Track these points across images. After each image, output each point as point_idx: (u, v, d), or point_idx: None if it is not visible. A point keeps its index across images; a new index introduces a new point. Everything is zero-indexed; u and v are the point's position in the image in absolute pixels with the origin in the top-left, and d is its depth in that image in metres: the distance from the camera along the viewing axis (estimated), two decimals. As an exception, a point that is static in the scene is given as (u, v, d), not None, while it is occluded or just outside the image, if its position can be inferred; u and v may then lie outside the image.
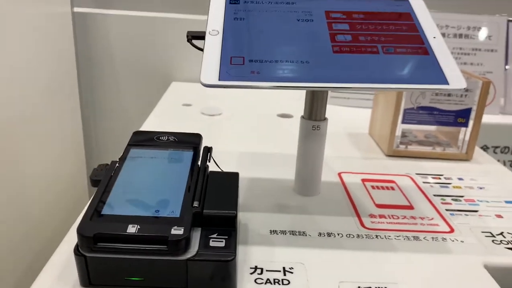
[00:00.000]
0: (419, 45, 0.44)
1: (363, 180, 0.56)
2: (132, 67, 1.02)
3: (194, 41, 0.46)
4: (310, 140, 0.49)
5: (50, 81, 0.87)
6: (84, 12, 0.97)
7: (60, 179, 0.93)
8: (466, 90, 0.62)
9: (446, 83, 0.40)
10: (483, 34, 0.91)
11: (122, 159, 0.42)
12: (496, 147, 0.88)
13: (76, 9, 0.96)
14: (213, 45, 0.43)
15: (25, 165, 0.79)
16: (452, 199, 0.53)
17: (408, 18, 0.48)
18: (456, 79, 0.41)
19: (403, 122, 0.64)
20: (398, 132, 0.65)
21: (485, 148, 0.88)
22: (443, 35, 0.90)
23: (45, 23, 0.84)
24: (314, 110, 0.49)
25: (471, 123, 0.64)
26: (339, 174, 0.58)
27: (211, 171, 0.42)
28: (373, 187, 0.55)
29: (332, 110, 0.80)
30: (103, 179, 0.39)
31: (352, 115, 0.84)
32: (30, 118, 0.80)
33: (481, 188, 0.56)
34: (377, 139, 0.70)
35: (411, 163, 0.63)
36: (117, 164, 0.41)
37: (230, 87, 0.40)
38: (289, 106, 0.85)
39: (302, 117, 0.50)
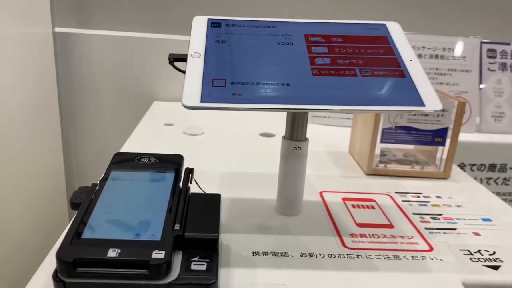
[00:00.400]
0: (395, 68, 0.46)
1: (344, 199, 0.57)
2: (113, 87, 1.02)
3: (176, 63, 0.46)
4: (291, 160, 0.50)
5: (29, 101, 0.86)
6: (65, 32, 0.97)
7: (39, 201, 0.92)
8: (443, 110, 0.64)
9: (422, 104, 0.42)
10: (458, 55, 0.94)
11: (103, 181, 0.42)
12: (473, 164, 0.91)
13: (57, 29, 0.95)
14: (195, 67, 0.44)
15: (2, 186, 0.78)
16: (431, 218, 0.54)
17: (385, 42, 0.49)
18: (431, 101, 0.42)
19: (381, 142, 0.65)
20: (377, 151, 0.67)
21: (462, 165, 0.90)
22: (420, 56, 0.92)
23: (25, 43, 0.84)
24: (295, 130, 0.49)
25: (448, 142, 0.65)
26: (320, 193, 0.58)
27: (192, 193, 0.42)
28: (353, 206, 0.55)
29: (313, 129, 0.81)
30: (83, 202, 0.39)
31: (332, 134, 0.85)
32: (9, 139, 0.79)
33: (458, 206, 0.57)
34: (357, 158, 0.71)
35: (390, 182, 0.64)
36: (97, 187, 0.41)
37: (212, 109, 0.40)
38: (271, 126, 0.86)
39: (284, 137, 0.50)
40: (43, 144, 0.93)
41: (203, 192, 0.43)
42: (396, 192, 0.60)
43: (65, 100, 1.02)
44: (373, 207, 0.55)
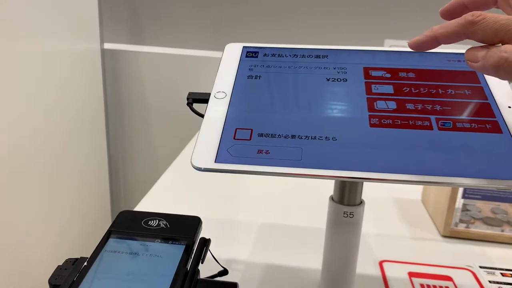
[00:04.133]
0: (488, 118, 0.33)
1: (410, 274, 0.45)
2: (163, 107, 0.96)
3: (196, 105, 0.37)
4: (340, 229, 0.39)
5: (76, 117, 0.82)
6: (114, 49, 0.92)
7: (81, 222, 0.88)
8: (549, 161, 0.49)
9: (527, 177, 0.29)
10: None
11: (95, 254, 0.33)
12: None
13: (106, 46, 0.91)
14: (216, 112, 0.34)
15: (48, 202, 0.74)
16: (530, 314, 0.40)
17: (474, 79, 0.37)
18: (542, 173, 0.29)
19: (463, 197, 0.52)
20: (458, 205, 0.53)
21: None
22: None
23: (73, 60, 0.80)
24: (347, 192, 0.38)
25: (554, 201, 0.51)
26: (381, 263, 0.46)
27: (201, 280, 0.32)
28: (422, 286, 0.43)
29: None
30: (62, 284, 0.31)
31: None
32: (55, 153, 0.76)
33: None
34: (431, 212, 0.57)
35: (473, 249, 0.50)
36: (85, 263, 0.32)
37: (229, 172, 0.30)
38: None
39: (331, 198, 0.39)
40: (88, 164, 0.89)
41: (216, 279, 0.34)
42: (480, 267, 0.47)
43: (113, 120, 0.97)
44: (449, 290, 0.43)
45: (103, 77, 0.89)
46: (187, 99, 0.37)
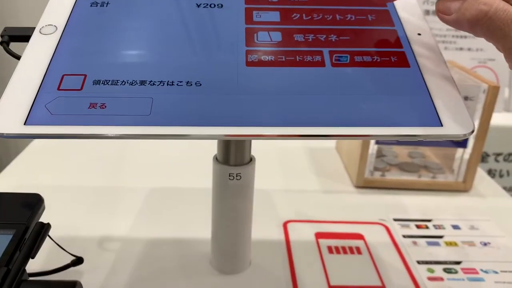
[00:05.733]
0: (393, 49, 0.26)
1: (318, 236, 0.39)
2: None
3: (14, 45, 0.27)
4: (227, 194, 0.32)
5: None
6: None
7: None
8: (466, 98, 0.44)
9: (437, 123, 0.23)
10: (484, 11, 0.72)
11: None
12: (498, 154, 0.72)
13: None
14: (38, 52, 0.25)
15: None
16: (444, 270, 0.36)
17: (378, 2, 0.29)
18: (455, 116, 0.23)
19: (377, 142, 0.47)
20: (372, 150, 0.48)
21: (484, 155, 0.71)
22: (429, 12, 0.71)
23: None
24: (232, 150, 0.31)
25: (471, 142, 0.47)
26: (285, 224, 0.40)
27: (28, 281, 0.24)
28: (330, 248, 0.38)
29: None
30: None
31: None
32: None
33: (485, 244, 0.39)
34: (346, 160, 0.52)
35: (388, 199, 0.46)
36: None
37: (44, 137, 0.22)
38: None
39: (215, 158, 0.32)
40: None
41: (48, 280, 0.26)
42: (394, 220, 0.42)
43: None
44: (359, 251, 0.38)
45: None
46: (1, 36, 0.27)
